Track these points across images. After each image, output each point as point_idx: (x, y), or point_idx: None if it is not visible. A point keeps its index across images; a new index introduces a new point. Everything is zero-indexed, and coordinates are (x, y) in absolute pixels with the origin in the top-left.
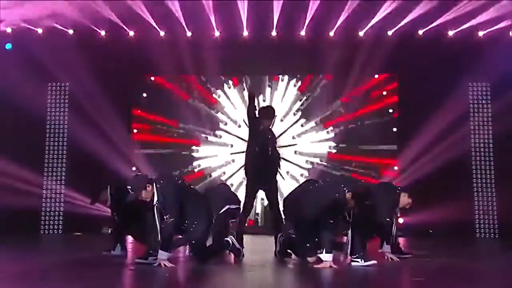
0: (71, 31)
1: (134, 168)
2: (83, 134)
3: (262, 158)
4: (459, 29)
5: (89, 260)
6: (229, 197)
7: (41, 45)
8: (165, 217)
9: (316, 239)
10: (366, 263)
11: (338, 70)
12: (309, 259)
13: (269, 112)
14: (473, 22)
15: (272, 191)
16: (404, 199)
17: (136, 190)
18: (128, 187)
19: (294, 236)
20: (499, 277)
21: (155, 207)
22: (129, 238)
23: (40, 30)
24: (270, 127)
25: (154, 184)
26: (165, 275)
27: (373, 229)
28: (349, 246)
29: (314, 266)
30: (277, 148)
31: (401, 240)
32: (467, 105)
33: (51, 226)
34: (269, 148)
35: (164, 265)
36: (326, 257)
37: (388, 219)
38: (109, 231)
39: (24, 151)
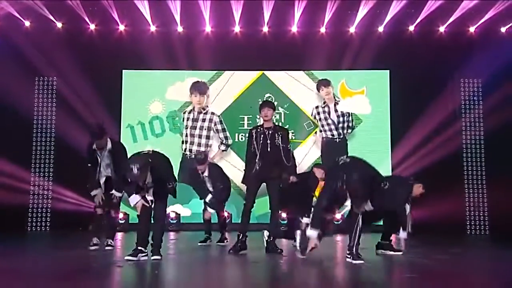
0: (59, 24)
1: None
2: (71, 130)
3: (261, 154)
4: (448, 22)
5: (77, 257)
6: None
7: (28, 38)
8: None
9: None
10: (355, 262)
11: (328, 66)
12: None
13: (268, 103)
14: (464, 17)
15: (273, 187)
16: (418, 189)
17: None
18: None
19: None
20: (490, 274)
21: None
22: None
23: (27, 23)
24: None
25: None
26: (154, 272)
27: (380, 215)
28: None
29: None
30: (280, 144)
31: (392, 237)
32: (459, 101)
33: (38, 223)
34: (267, 143)
35: (143, 205)
36: (311, 232)
37: (403, 206)
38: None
39: (10, 146)
